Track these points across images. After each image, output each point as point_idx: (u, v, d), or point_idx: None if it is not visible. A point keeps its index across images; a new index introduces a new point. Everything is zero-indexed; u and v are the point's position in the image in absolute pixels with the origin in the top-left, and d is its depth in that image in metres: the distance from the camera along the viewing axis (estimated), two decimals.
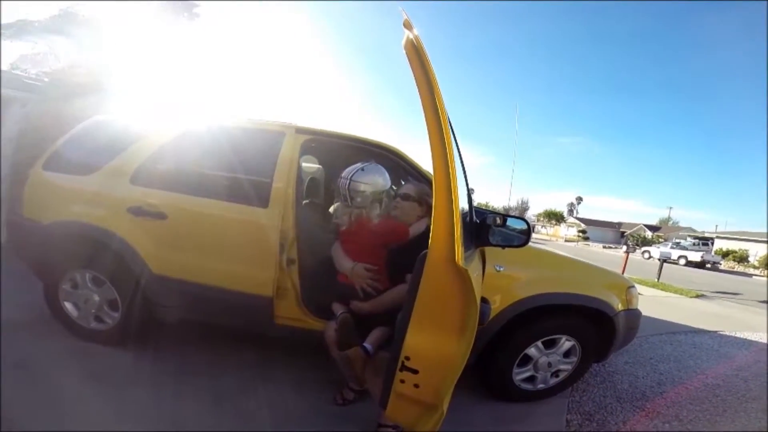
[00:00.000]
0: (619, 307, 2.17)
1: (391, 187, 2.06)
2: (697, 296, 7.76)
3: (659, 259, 11.11)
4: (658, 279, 9.61)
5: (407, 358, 1.14)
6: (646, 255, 23.51)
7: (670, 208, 57.19)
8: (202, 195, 2.05)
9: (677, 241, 27.72)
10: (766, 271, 20.81)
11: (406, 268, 1.74)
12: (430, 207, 1.89)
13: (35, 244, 2.18)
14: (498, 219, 1.88)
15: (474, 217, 1.82)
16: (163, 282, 2.04)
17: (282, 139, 2.06)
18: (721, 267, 24.08)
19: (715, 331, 4.65)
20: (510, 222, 1.98)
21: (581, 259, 2.42)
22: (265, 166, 2.07)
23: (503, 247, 1.82)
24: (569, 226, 50.57)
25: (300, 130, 2.10)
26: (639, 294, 2.43)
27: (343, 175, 1.89)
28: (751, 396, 2.67)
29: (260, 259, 1.94)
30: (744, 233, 33.07)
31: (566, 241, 39.75)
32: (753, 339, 4.47)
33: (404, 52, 1.19)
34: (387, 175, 1.96)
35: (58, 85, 4.76)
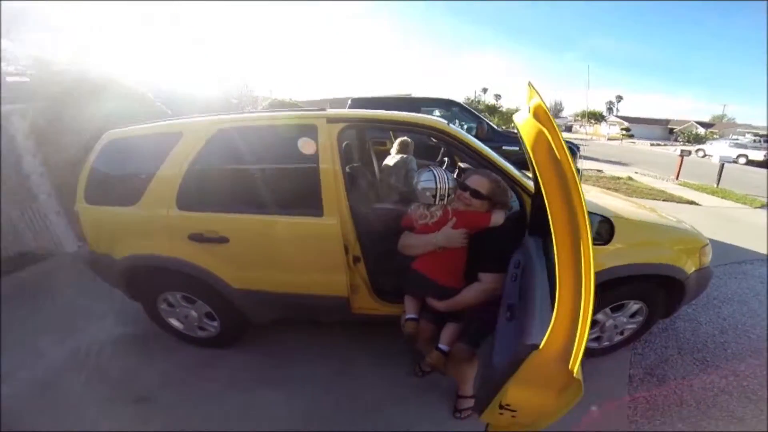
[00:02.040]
0: (691, 269, 2.10)
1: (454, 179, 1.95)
2: (762, 206, 7.27)
3: (720, 162, 10.20)
4: (718, 184, 9.04)
5: (507, 405, 1.13)
6: (701, 153, 21.61)
7: (725, 105, 50.62)
8: (255, 212, 2.02)
9: (735, 137, 25.22)
10: None
11: (481, 262, 1.78)
12: (500, 203, 1.84)
13: (118, 276, 2.25)
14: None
15: None
16: (246, 294, 2.12)
17: (315, 134, 1.93)
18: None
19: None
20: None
21: (654, 219, 2.27)
22: (307, 165, 1.97)
23: None
24: (611, 124, 47.12)
25: (332, 119, 1.94)
26: (698, 205, 2.29)
27: (414, 182, 1.90)
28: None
29: (329, 265, 1.98)
30: None
31: (609, 139, 37.18)
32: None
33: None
34: (448, 174, 1.89)
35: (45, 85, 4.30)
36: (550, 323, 0.99)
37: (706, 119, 48.23)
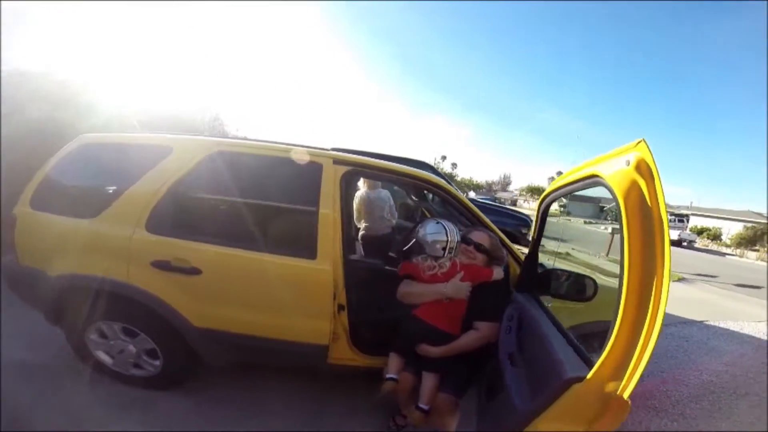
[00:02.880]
0: None
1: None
2: (679, 279, 8.23)
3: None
4: None
5: None
6: None
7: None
8: (238, 246, 1.84)
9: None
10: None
11: (477, 312, 1.84)
12: (498, 258, 1.96)
13: (44, 297, 1.92)
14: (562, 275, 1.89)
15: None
16: (208, 334, 1.87)
17: (320, 173, 1.89)
18: (696, 245, 25.13)
19: (701, 322, 5.01)
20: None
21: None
22: (305, 203, 1.91)
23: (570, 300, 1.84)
24: None
25: (338, 161, 1.92)
26: None
27: (420, 233, 1.94)
28: (742, 392, 2.95)
29: (314, 312, 1.84)
30: (718, 210, 34.44)
31: (549, 216, 40.66)
32: (735, 330, 4.82)
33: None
34: (456, 228, 1.97)
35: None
36: (576, 359, 1.10)
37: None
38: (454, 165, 57.59)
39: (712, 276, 10.72)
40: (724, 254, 23.78)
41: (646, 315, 0.94)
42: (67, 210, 1.92)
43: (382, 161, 2.16)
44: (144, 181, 1.88)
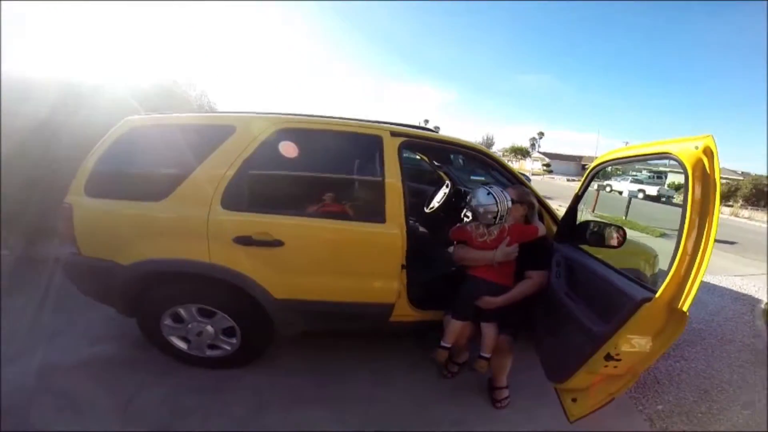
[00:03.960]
0: (649, 273, 2.57)
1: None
2: (661, 235, 8.72)
3: (629, 196, 12.32)
4: (626, 216, 10.72)
5: (617, 354, 1.42)
6: (608, 189, 25.29)
7: (626, 142, 59.88)
8: (316, 215, 2.00)
9: (635, 174, 29.51)
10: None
11: (528, 263, 2.06)
12: (530, 204, 2.14)
13: (118, 288, 1.93)
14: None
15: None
16: (287, 304, 1.98)
17: (381, 145, 2.03)
18: (674, 200, 26.08)
19: None
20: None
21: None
22: (367, 177, 2.06)
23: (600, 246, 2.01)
24: (534, 160, 52.52)
25: (395, 133, 2.07)
26: None
27: (473, 203, 2.04)
28: (728, 339, 3.38)
29: (385, 273, 2.00)
30: None
31: (533, 174, 41.48)
32: (714, 283, 5.36)
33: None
34: (506, 196, 2.05)
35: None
36: (638, 287, 1.41)
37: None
38: (436, 128, 57.08)
39: None
40: None
41: (699, 247, 1.27)
42: (129, 194, 1.90)
43: (430, 133, 2.34)
44: (212, 160, 1.90)
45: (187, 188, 1.87)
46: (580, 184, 2.18)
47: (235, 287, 1.93)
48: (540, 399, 2.22)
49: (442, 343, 2.05)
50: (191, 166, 1.89)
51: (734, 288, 5.19)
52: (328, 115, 2.22)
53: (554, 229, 2.29)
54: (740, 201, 25.35)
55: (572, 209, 2.18)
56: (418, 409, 2.11)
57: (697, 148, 1.35)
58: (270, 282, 1.93)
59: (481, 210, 2.01)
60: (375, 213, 1.99)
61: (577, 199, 2.16)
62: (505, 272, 2.07)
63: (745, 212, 22.12)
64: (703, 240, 1.26)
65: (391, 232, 1.96)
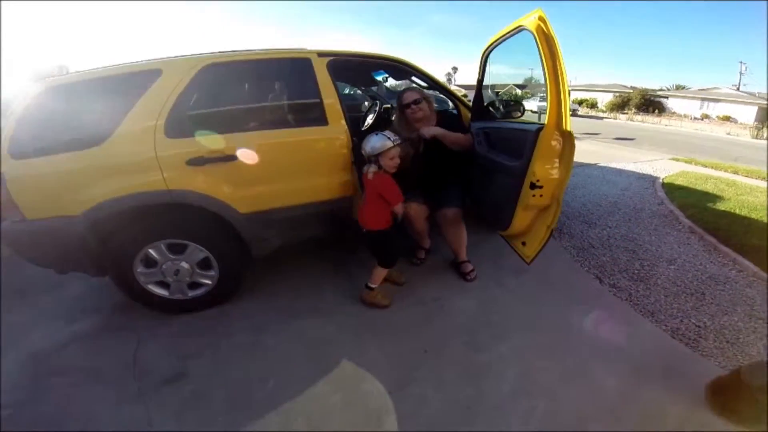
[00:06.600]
0: None
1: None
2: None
3: (537, 112, 13.56)
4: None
5: (537, 181, 1.79)
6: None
7: (531, 69, 64.02)
8: (262, 128, 2.06)
9: (541, 95, 32.89)
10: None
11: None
12: (429, 100, 2.40)
13: (75, 245, 1.82)
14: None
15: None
16: (254, 218, 2.03)
17: (311, 64, 2.13)
18: (579, 113, 30.07)
19: (595, 164, 6.38)
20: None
21: None
22: (304, 90, 2.17)
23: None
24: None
25: (321, 53, 2.18)
26: None
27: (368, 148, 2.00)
28: (639, 208, 3.97)
29: (339, 167, 2.16)
30: (592, 86, 41.06)
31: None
32: (620, 168, 6.18)
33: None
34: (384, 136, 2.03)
35: None
36: (534, 126, 1.80)
37: (521, 81, 60.29)
38: (454, 69, 56.04)
39: (595, 134, 13.33)
40: (601, 118, 28.78)
41: (560, 85, 1.70)
42: (64, 147, 1.78)
43: (355, 50, 2.50)
44: (146, 98, 1.86)
45: (126, 127, 1.82)
46: (478, 71, 2.52)
47: (199, 211, 1.92)
48: (500, 261, 2.61)
49: (369, 284, 2.18)
50: (125, 108, 1.84)
51: (636, 170, 6.05)
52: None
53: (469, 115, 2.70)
54: (633, 109, 32.23)
55: (479, 94, 2.57)
56: (406, 290, 2.35)
57: (534, 18, 1.77)
58: (232, 197, 1.96)
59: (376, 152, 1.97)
60: (318, 120, 2.11)
61: (480, 83, 2.53)
62: (381, 218, 2.06)
63: (639, 117, 29.67)
64: (561, 80, 1.69)
65: (334, 129, 2.13)
